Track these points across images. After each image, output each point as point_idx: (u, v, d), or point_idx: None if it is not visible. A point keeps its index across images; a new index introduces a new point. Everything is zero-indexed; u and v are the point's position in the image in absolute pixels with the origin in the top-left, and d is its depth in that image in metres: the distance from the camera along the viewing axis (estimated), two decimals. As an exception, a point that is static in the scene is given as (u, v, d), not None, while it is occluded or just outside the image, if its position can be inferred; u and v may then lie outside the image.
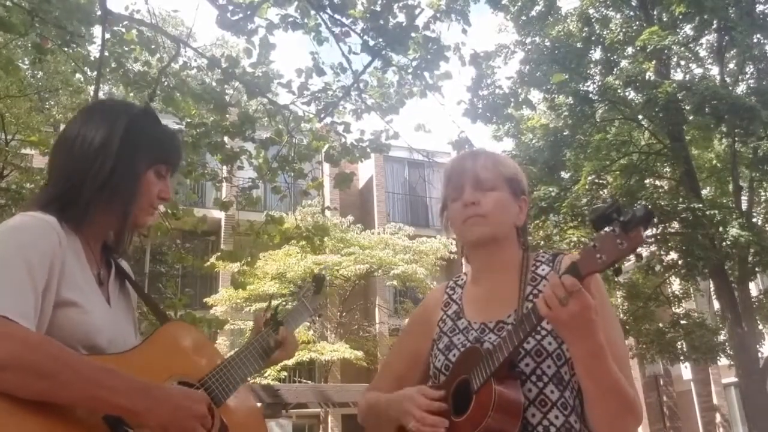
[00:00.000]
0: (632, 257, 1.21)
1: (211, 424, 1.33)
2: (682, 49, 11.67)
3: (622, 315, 12.15)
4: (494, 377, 1.32)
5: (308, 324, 14.29)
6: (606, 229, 1.19)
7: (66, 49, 5.84)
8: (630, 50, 11.90)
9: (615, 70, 11.90)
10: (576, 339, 1.28)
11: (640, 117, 11.85)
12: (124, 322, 1.49)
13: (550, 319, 1.25)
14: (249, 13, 5.66)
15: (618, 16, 12.70)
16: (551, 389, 1.39)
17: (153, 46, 6.21)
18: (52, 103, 11.79)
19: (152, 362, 1.36)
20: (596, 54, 12.58)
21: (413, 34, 5.89)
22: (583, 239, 10.81)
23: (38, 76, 11.07)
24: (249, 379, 1.60)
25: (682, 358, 12.43)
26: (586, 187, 11.00)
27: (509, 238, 1.59)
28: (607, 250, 1.19)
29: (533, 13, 12.62)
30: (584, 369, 1.31)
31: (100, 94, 5.45)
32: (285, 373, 15.23)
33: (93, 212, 1.38)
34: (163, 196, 1.48)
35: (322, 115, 6.46)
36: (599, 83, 12.03)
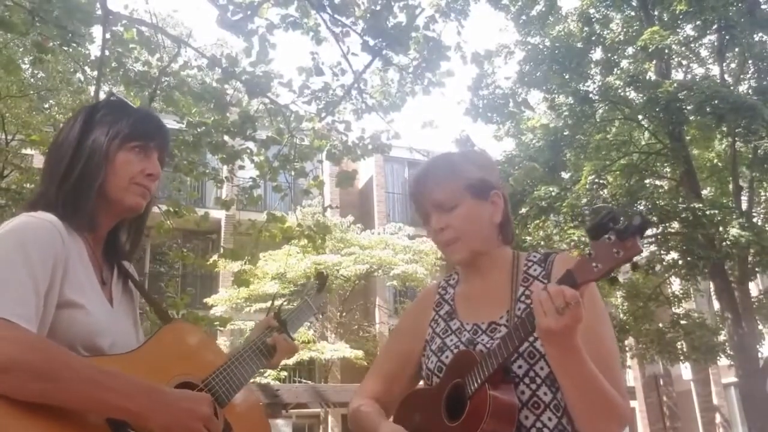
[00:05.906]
0: (628, 265, 1.19)
1: (218, 426, 1.31)
2: (683, 48, 11.69)
3: (622, 315, 12.14)
4: (489, 382, 1.31)
5: (308, 324, 14.28)
6: (602, 237, 1.18)
7: (66, 48, 5.84)
8: (630, 50, 11.92)
9: (615, 69, 11.91)
10: (554, 342, 1.26)
11: (640, 117, 11.85)
12: (126, 323, 1.47)
13: (540, 326, 1.23)
14: (249, 13, 5.66)
15: (618, 15, 12.70)
16: (544, 391, 1.38)
17: (153, 46, 6.21)
18: (53, 102, 11.78)
19: (155, 363, 1.34)
20: (597, 54, 12.60)
21: (413, 34, 5.90)
22: (583, 239, 10.80)
23: (39, 76, 11.07)
24: (252, 378, 1.58)
25: (682, 358, 12.42)
26: (587, 187, 10.99)
27: (490, 240, 1.56)
28: (602, 259, 1.17)
29: (534, 12, 12.63)
30: (559, 366, 1.31)
31: (101, 94, 5.44)
32: (285, 373, 15.23)
33: (71, 206, 1.36)
34: (150, 172, 1.45)
35: (323, 115, 6.46)
36: (600, 83, 12.04)
